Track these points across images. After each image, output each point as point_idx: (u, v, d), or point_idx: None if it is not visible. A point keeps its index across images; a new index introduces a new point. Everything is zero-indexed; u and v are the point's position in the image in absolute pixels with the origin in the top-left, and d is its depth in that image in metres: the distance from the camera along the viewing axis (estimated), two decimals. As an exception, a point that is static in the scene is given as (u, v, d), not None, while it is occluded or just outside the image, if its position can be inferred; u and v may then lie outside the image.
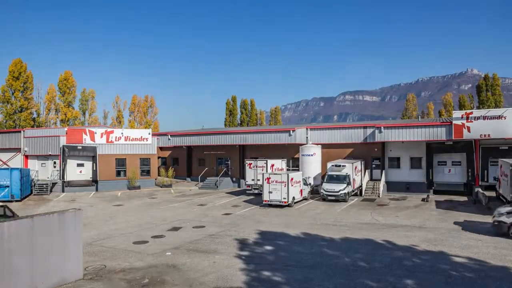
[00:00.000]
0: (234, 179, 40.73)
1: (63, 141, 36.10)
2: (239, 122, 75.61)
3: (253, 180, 33.09)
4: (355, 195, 31.36)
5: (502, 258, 13.47)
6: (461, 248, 14.94)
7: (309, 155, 32.02)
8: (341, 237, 17.15)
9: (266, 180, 26.51)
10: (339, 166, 29.93)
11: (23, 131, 39.92)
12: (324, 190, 28.64)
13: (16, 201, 30.02)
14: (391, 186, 32.68)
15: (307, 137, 36.20)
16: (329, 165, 31.09)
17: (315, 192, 31.39)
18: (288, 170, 35.58)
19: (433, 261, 13.12)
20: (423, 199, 28.79)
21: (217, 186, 38.71)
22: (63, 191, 35.58)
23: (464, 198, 28.95)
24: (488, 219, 20.99)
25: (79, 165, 36.91)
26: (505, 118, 26.50)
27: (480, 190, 28.12)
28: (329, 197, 28.28)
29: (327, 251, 14.66)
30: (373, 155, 34.38)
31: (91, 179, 37.05)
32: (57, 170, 36.75)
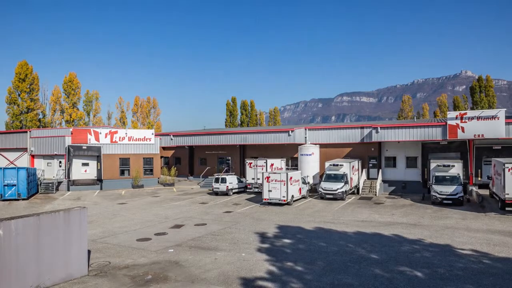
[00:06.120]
0: (235, 178, 41.43)
1: (68, 141, 36.94)
2: (239, 122, 76.13)
3: (253, 179, 33.75)
4: (353, 193, 32.02)
5: (496, 254, 14.15)
6: (456, 244, 15.53)
7: (307, 155, 32.61)
8: (341, 230, 17.79)
9: (266, 179, 27.07)
10: (337, 165, 30.51)
11: (30, 131, 40.70)
12: (322, 188, 29.22)
13: (23, 199, 30.80)
14: (388, 185, 33.40)
15: (305, 137, 36.82)
16: (327, 164, 31.71)
17: (313, 190, 32.06)
18: (287, 169, 36.19)
19: (430, 258, 13.67)
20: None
21: (219, 185, 39.32)
22: (68, 189, 36.43)
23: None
24: (481, 216, 21.64)
25: (84, 164, 37.73)
26: (498, 119, 27.07)
27: (474, 188, 28.74)
28: (327, 196, 28.84)
29: (323, 245, 15.34)
30: (370, 155, 35.01)
31: (95, 178, 37.84)
32: (63, 170, 37.56)
